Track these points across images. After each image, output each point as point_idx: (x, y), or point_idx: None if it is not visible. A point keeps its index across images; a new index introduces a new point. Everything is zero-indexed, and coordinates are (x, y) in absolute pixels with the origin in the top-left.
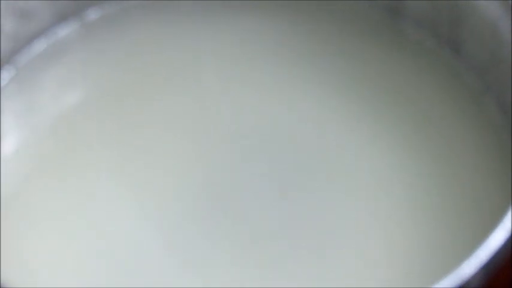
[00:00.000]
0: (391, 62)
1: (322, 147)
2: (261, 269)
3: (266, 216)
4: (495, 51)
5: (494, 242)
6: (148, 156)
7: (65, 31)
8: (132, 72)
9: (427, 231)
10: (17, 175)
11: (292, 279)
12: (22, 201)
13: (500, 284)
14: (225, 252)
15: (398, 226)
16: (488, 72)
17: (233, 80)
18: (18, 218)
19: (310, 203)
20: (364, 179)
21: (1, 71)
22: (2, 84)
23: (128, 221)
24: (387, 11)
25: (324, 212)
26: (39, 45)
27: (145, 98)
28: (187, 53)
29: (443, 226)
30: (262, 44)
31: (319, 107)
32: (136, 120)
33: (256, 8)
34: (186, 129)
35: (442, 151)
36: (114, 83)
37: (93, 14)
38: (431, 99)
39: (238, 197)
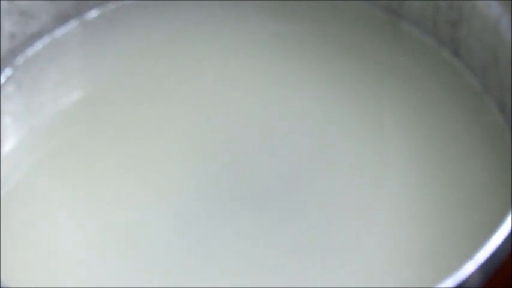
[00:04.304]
0: (391, 62)
1: (322, 146)
2: (261, 268)
3: (267, 215)
4: (495, 51)
5: (494, 242)
6: (148, 155)
7: (64, 31)
8: (131, 72)
9: (426, 231)
10: (16, 175)
11: (292, 278)
12: (22, 201)
13: (500, 284)
14: (229, 248)
15: (398, 226)
16: (488, 72)
17: (233, 80)
18: (18, 217)
19: (309, 202)
20: (363, 179)
21: (0, 70)
22: (1, 84)
23: (127, 220)
24: (387, 11)
25: (323, 211)
26: (39, 45)
27: (145, 98)
28: (187, 53)
29: (443, 226)
30: (262, 44)
31: (319, 106)
32: (135, 120)
33: (256, 8)
34: (186, 128)
35: (442, 151)
36: (114, 83)
37: (93, 14)
38: (431, 99)
39: (238, 194)
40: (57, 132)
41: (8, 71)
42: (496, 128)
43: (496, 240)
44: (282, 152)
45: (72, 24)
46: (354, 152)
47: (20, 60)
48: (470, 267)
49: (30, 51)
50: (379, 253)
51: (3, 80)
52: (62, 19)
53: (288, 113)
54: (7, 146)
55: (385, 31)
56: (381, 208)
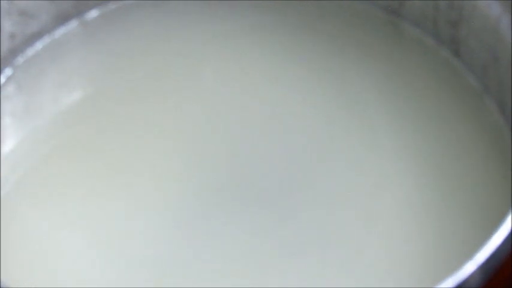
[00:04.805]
0: (391, 62)
1: (322, 146)
2: (261, 268)
3: (267, 215)
4: (495, 51)
5: (494, 242)
6: (148, 155)
7: (64, 31)
8: (131, 72)
9: (426, 231)
10: (16, 175)
11: (292, 278)
12: (22, 201)
13: (500, 284)
14: (228, 248)
15: (398, 226)
16: (488, 72)
17: (233, 79)
18: (17, 217)
19: (309, 201)
20: (363, 179)
21: (1, 70)
22: (1, 84)
23: (126, 220)
24: (387, 11)
25: (323, 211)
26: (39, 45)
27: (145, 98)
28: (187, 53)
29: (443, 226)
30: (262, 43)
31: (319, 106)
32: (135, 120)
33: (256, 7)
34: (186, 128)
35: (442, 151)
36: (114, 83)
37: (93, 14)
38: (430, 99)
39: (238, 194)
40: (57, 132)
41: (8, 71)
42: (496, 128)
43: (496, 240)
44: (282, 151)
45: (72, 24)
46: (353, 152)
47: (20, 60)
48: (470, 267)
49: (30, 51)
50: (379, 253)
51: (3, 80)
52: (62, 19)
53: (288, 112)
54: (7, 146)
55: (385, 31)
56: (380, 208)
